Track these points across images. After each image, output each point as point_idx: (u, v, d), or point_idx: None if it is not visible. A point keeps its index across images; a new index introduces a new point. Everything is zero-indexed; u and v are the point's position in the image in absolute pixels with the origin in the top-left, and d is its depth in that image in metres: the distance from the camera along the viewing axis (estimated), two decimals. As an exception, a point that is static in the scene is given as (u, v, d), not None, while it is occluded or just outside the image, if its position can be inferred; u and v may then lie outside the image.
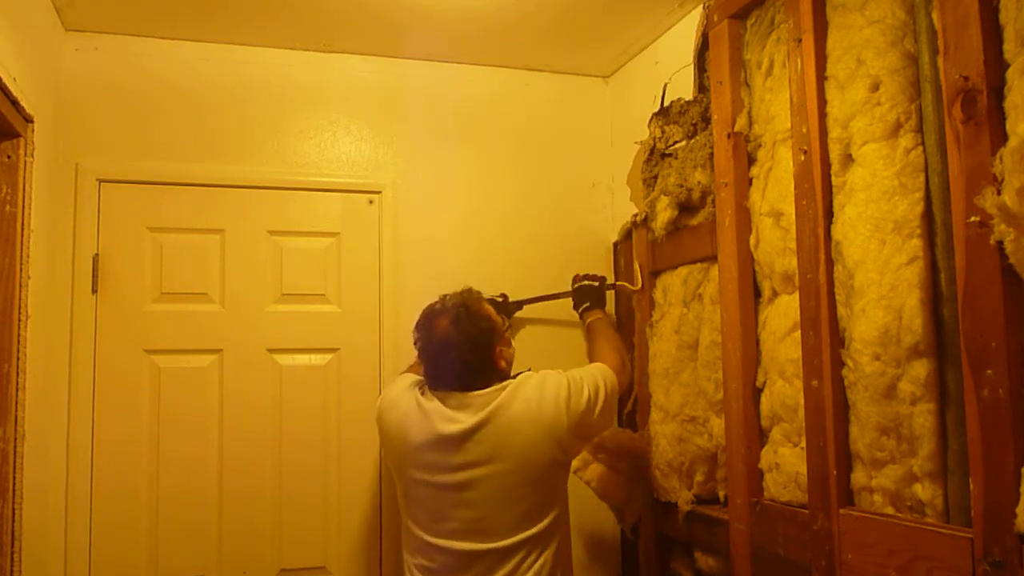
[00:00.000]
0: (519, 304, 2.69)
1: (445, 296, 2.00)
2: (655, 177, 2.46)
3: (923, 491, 1.53)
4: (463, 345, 1.91)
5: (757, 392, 1.98)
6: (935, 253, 1.54)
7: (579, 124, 2.95)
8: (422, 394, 1.99)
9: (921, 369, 1.53)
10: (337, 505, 2.57)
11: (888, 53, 1.63)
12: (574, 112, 2.95)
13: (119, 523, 2.40)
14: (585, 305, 2.52)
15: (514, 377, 1.98)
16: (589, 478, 2.41)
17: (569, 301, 2.64)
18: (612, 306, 2.86)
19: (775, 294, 1.95)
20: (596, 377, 2.04)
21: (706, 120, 2.25)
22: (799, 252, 1.80)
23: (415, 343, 2.01)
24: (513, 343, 2.12)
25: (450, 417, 1.90)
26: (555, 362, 2.19)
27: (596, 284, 2.55)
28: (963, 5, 1.40)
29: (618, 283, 2.67)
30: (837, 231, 1.70)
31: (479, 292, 2.07)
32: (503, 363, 2.00)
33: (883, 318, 1.57)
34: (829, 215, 1.73)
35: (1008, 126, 1.33)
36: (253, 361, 2.55)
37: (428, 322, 1.97)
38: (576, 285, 2.57)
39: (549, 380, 1.96)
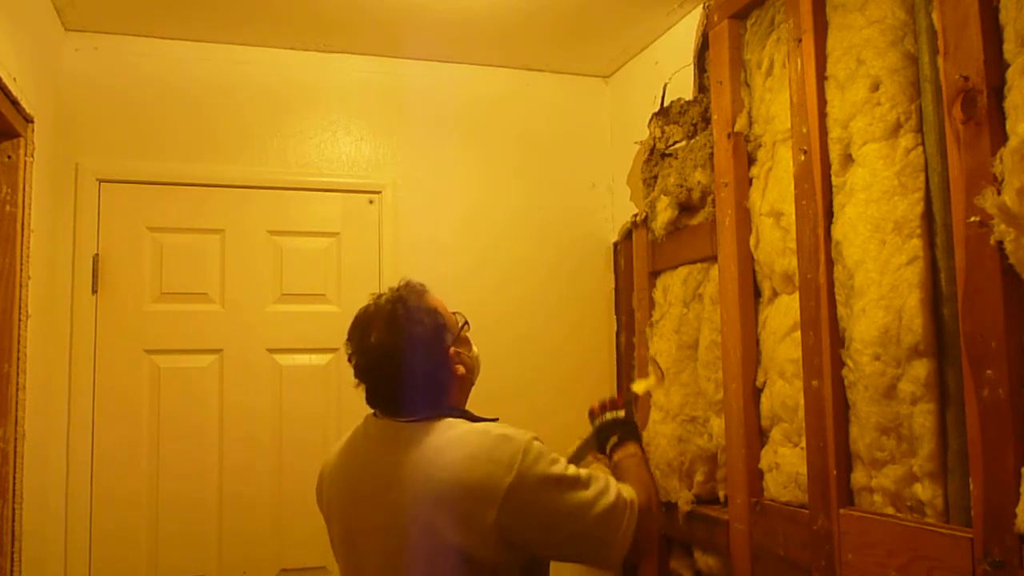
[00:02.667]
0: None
1: (380, 295, 1.56)
2: (655, 177, 2.46)
3: (923, 491, 1.53)
4: (405, 350, 1.46)
5: (757, 392, 1.98)
6: (935, 253, 1.54)
7: (579, 124, 2.95)
8: (354, 433, 1.59)
9: (921, 369, 1.53)
10: (337, 505, 2.57)
11: (888, 53, 1.63)
12: (574, 112, 2.95)
13: (119, 523, 2.40)
14: (613, 441, 1.74)
15: (477, 420, 1.50)
16: (589, 478, 2.41)
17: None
18: (612, 306, 2.87)
19: (775, 294, 1.95)
20: (605, 480, 1.46)
21: (706, 120, 2.25)
22: (799, 252, 1.79)
23: (348, 359, 1.53)
24: (475, 348, 1.64)
25: (374, 458, 1.49)
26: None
27: (622, 414, 1.80)
28: (963, 5, 1.40)
29: (635, 388, 2.03)
30: (837, 231, 1.70)
31: (422, 285, 1.60)
32: (461, 368, 1.54)
33: (883, 318, 1.57)
34: (829, 215, 1.73)
35: (1008, 126, 1.33)
36: (253, 361, 2.55)
37: (359, 330, 1.52)
38: (598, 422, 1.81)
39: (513, 441, 1.39)
